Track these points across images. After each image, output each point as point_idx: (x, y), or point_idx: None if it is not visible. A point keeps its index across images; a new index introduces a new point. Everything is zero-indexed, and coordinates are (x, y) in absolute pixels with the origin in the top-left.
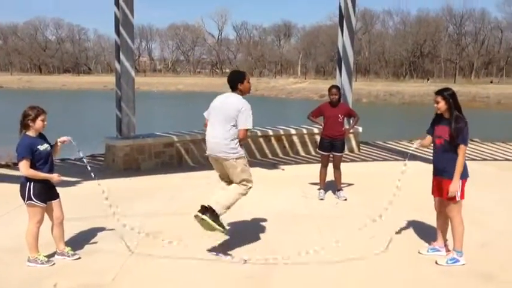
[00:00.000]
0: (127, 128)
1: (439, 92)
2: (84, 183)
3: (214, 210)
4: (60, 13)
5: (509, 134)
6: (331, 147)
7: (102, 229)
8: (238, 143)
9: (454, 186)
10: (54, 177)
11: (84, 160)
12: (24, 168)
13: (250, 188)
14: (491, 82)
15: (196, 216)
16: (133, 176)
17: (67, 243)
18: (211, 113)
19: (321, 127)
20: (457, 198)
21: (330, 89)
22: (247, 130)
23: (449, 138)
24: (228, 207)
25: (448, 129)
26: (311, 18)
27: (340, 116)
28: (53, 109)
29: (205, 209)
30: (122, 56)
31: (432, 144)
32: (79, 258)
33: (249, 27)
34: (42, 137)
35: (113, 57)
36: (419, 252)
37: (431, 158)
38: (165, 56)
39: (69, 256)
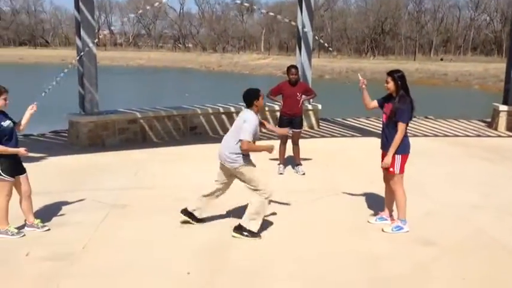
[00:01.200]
0: (90, 104)
1: (390, 73)
2: (49, 158)
3: (241, 226)
4: None
5: (463, 111)
6: (290, 123)
7: (69, 203)
8: (239, 155)
9: (387, 159)
10: (21, 150)
11: None
12: None
13: (266, 195)
14: (441, 60)
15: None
16: (99, 152)
17: (36, 216)
18: None
19: (280, 104)
20: (396, 172)
21: (288, 69)
22: (247, 142)
23: (389, 114)
24: (254, 216)
25: (392, 107)
26: None
27: (298, 94)
28: (10, 83)
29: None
30: (82, 33)
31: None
32: (49, 229)
33: (212, 2)
34: (3, 114)
35: (70, 29)
36: (368, 222)
37: None
38: (126, 30)
39: (38, 228)
